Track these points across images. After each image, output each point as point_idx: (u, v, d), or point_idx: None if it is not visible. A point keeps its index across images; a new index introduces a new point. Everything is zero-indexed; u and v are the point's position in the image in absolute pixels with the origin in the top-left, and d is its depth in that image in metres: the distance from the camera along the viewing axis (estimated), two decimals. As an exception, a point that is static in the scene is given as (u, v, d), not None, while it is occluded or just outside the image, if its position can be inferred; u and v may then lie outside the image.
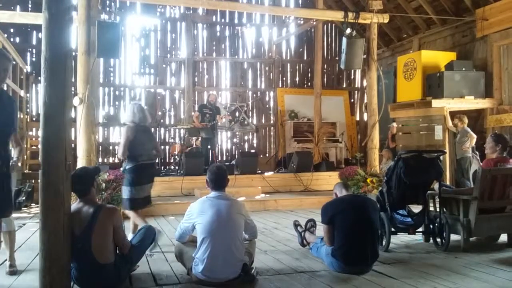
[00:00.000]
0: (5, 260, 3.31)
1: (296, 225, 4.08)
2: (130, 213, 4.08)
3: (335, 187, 3.60)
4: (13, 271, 3.20)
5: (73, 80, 2.98)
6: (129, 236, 3.65)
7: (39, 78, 2.57)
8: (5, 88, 3.25)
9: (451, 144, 7.33)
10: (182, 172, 7.76)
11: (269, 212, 6.42)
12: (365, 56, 7.43)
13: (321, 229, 4.02)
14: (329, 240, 3.28)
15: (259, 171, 8.39)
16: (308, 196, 7.26)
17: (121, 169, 4.22)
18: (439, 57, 8.08)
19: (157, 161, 4.47)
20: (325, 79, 11.60)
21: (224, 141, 11.23)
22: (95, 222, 2.77)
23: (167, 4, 10.23)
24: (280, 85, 11.60)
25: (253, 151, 10.72)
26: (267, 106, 11.65)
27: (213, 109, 8.82)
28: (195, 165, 7.54)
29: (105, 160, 10.35)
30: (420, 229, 4.09)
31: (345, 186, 3.57)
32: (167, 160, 10.35)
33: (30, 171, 8.21)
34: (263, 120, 11.59)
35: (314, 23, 9.91)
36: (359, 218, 3.23)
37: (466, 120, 6.99)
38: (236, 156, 10.15)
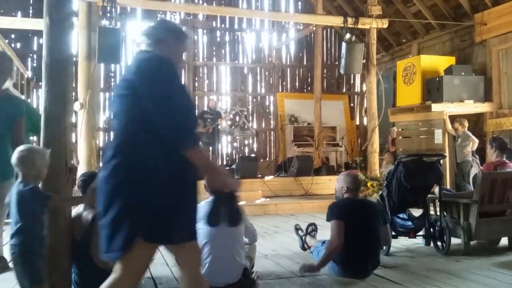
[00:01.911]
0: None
1: (297, 229, 4.08)
2: None
3: (345, 180, 3.33)
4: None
5: (74, 85, 3.01)
6: None
7: (40, 83, 2.61)
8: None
9: (451, 148, 7.34)
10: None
11: (270, 216, 6.42)
12: (364, 61, 7.47)
13: (322, 233, 4.04)
14: (339, 236, 3.08)
15: (259, 175, 8.40)
16: (309, 200, 7.26)
17: None
18: (438, 62, 8.11)
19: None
20: (325, 84, 11.64)
21: (224, 145, 11.24)
22: (94, 228, 2.77)
23: (167, 10, 10.28)
24: (280, 90, 11.63)
25: (253, 155, 10.72)
26: (267, 110, 11.68)
27: (214, 113, 8.85)
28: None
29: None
30: (421, 233, 4.09)
31: (356, 188, 3.34)
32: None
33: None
34: (263, 125, 11.61)
35: (314, 28, 9.96)
36: (365, 225, 3.19)
37: (466, 124, 7.01)
38: (237, 161, 10.16)
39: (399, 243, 4.25)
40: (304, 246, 3.90)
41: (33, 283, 2.34)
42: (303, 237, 3.93)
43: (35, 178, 2.44)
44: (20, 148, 2.50)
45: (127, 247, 1.71)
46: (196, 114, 9.66)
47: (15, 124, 2.78)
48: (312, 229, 3.99)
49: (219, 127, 9.06)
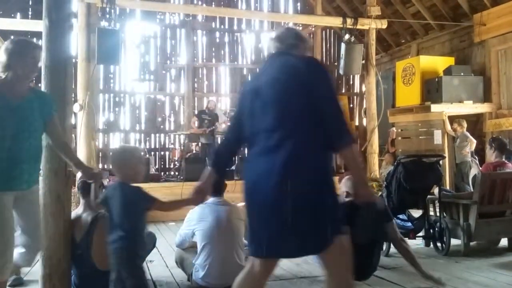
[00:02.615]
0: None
1: None
2: None
3: (346, 184, 3.25)
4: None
5: (73, 86, 2.99)
6: None
7: (40, 84, 2.54)
8: None
9: (451, 149, 7.35)
10: (182, 177, 7.76)
11: (269, 217, 6.41)
12: (363, 61, 7.47)
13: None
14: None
15: (259, 177, 8.36)
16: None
17: None
18: (437, 62, 8.12)
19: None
20: (324, 85, 11.62)
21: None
22: (93, 230, 2.76)
23: (166, 11, 10.28)
24: (280, 91, 11.61)
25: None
26: (267, 111, 11.66)
27: (212, 115, 8.84)
28: (195, 171, 7.51)
29: (105, 166, 10.34)
30: (421, 234, 4.09)
31: None
32: (167, 166, 10.35)
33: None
34: (262, 126, 11.59)
35: (313, 29, 9.97)
36: (370, 229, 3.13)
37: (465, 125, 7.02)
38: (236, 161, 10.14)
39: (399, 244, 4.24)
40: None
41: (140, 285, 2.26)
42: None
43: (131, 178, 2.33)
44: (114, 149, 2.45)
45: (336, 237, 1.81)
46: (196, 113, 9.71)
47: (51, 122, 2.44)
48: None
49: (217, 130, 9.06)
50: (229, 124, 2.22)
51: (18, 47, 2.31)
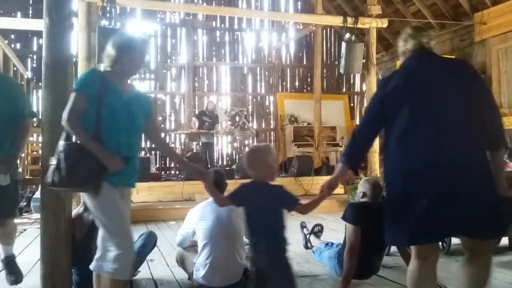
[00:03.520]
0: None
1: (303, 226, 4.08)
2: None
3: (364, 185, 3.17)
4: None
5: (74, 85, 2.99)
6: None
7: (40, 84, 2.52)
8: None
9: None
10: (182, 177, 7.77)
11: (270, 216, 6.41)
12: (364, 60, 7.46)
13: (326, 235, 4.04)
14: (357, 242, 2.95)
15: (260, 176, 8.38)
16: (309, 200, 7.24)
17: None
18: (438, 61, 8.10)
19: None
20: (324, 84, 11.64)
21: (224, 145, 11.25)
22: (95, 229, 2.76)
23: (167, 10, 10.28)
24: (280, 90, 11.64)
25: (253, 155, 10.72)
26: (267, 110, 11.68)
27: (213, 117, 8.84)
28: (195, 170, 7.54)
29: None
30: (421, 233, 4.07)
31: (374, 195, 3.10)
32: (167, 165, 10.36)
33: (31, 177, 8.21)
34: (263, 125, 11.61)
35: (313, 28, 9.96)
36: (374, 231, 3.11)
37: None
38: (237, 161, 10.16)
39: (400, 243, 4.24)
40: (307, 245, 3.91)
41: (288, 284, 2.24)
42: (308, 236, 3.93)
43: (267, 176, 2.25)
44: (250, 146, 2.40)
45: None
46: (196, 113, 9.72)
47: (151, 121, 2.40)
48: (318, 229, 3.99)
49: (218, 131, 9.09)
50: (364, 120, 2.25)
51: (126, 42, 2.29)
